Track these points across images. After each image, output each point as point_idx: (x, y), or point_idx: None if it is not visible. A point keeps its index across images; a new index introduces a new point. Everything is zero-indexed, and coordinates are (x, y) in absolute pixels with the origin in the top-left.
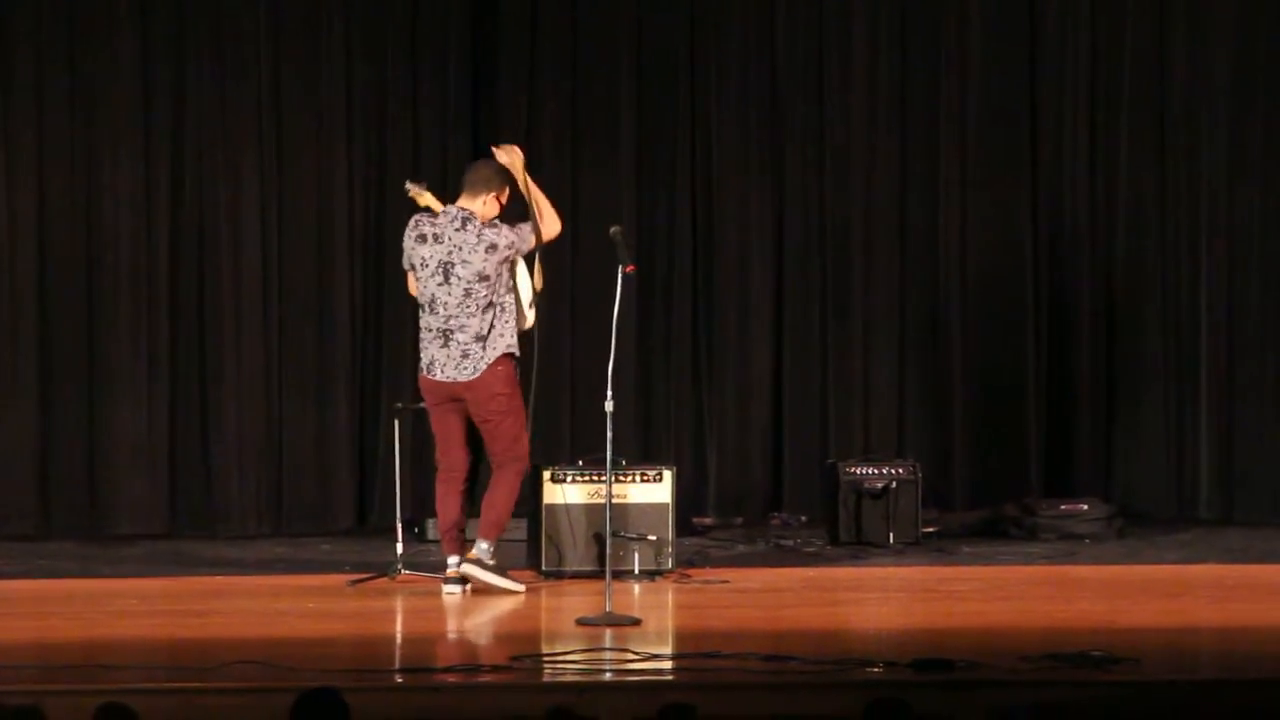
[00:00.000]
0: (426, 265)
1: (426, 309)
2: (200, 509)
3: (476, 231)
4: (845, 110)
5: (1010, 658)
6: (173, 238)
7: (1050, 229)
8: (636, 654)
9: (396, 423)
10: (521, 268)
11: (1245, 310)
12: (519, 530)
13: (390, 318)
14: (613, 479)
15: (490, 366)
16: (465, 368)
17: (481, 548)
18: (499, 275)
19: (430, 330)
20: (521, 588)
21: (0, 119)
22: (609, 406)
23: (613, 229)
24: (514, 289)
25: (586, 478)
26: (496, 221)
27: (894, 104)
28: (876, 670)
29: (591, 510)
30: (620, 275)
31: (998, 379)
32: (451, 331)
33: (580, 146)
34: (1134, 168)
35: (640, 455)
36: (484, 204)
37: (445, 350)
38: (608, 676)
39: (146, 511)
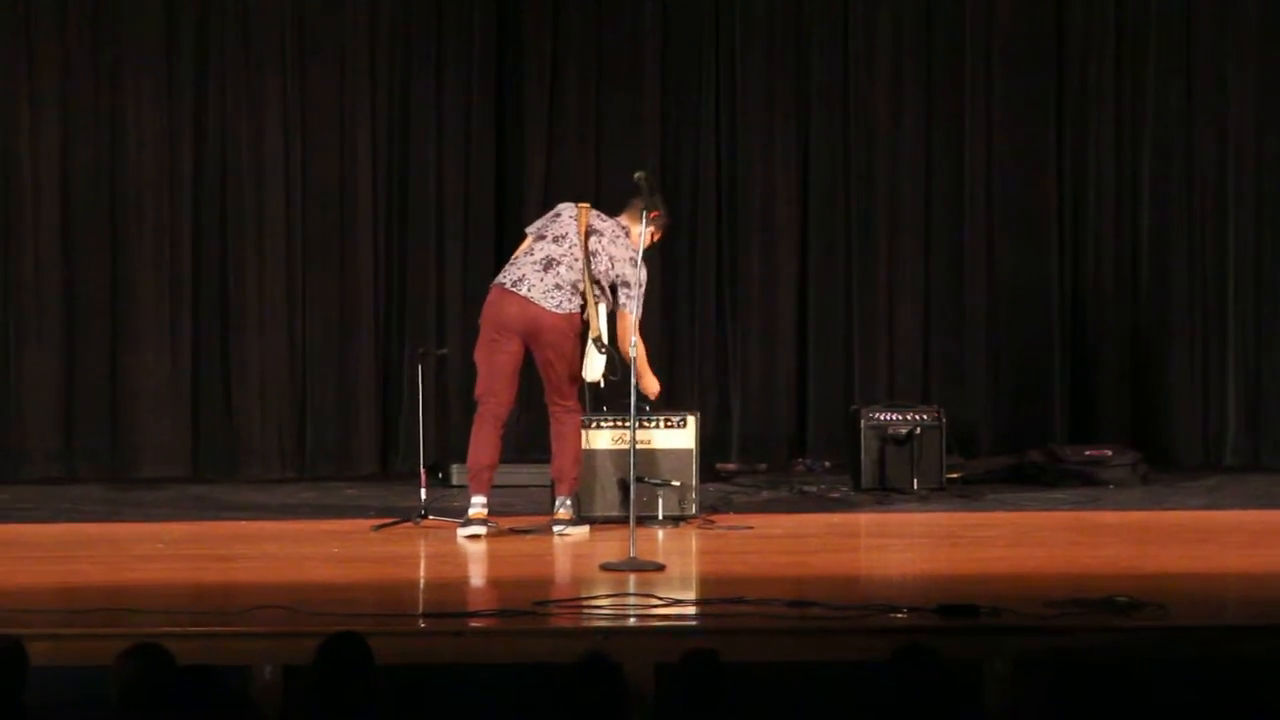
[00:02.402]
0: (575, 220)
1: (548, 240)
2: (224, 453)
3: (629, 243)
4: (871, 53)
5: (1035, 603)
6: (196, 182)
7: (1076, 173)
8: (660, 599)
9: (420, 368)
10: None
11: (1273, 255)
12: (542, 475)
13: (413, 262)
14: (637, 425)
15: (572, 312)
16: (553, 299)
17: (568, 504)
18: (613, 281)
19: (533, 254)
20: (585, 529)
21: (25, 60)
22: (633, 352)
23: (638, 174)
24: (592, 340)
25: (611, 423)
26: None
27: (920, 46)
28: (901, 616)
29: (616, 456)
30: (644, 220)
31: (1023, 324)
32: (558, 263)
33: (605, 88)
34: (1160, 114)
35: (664, 401)
36: (638, 233)
37: (541, 275)
38: (631, 622)
39: (170, 455)
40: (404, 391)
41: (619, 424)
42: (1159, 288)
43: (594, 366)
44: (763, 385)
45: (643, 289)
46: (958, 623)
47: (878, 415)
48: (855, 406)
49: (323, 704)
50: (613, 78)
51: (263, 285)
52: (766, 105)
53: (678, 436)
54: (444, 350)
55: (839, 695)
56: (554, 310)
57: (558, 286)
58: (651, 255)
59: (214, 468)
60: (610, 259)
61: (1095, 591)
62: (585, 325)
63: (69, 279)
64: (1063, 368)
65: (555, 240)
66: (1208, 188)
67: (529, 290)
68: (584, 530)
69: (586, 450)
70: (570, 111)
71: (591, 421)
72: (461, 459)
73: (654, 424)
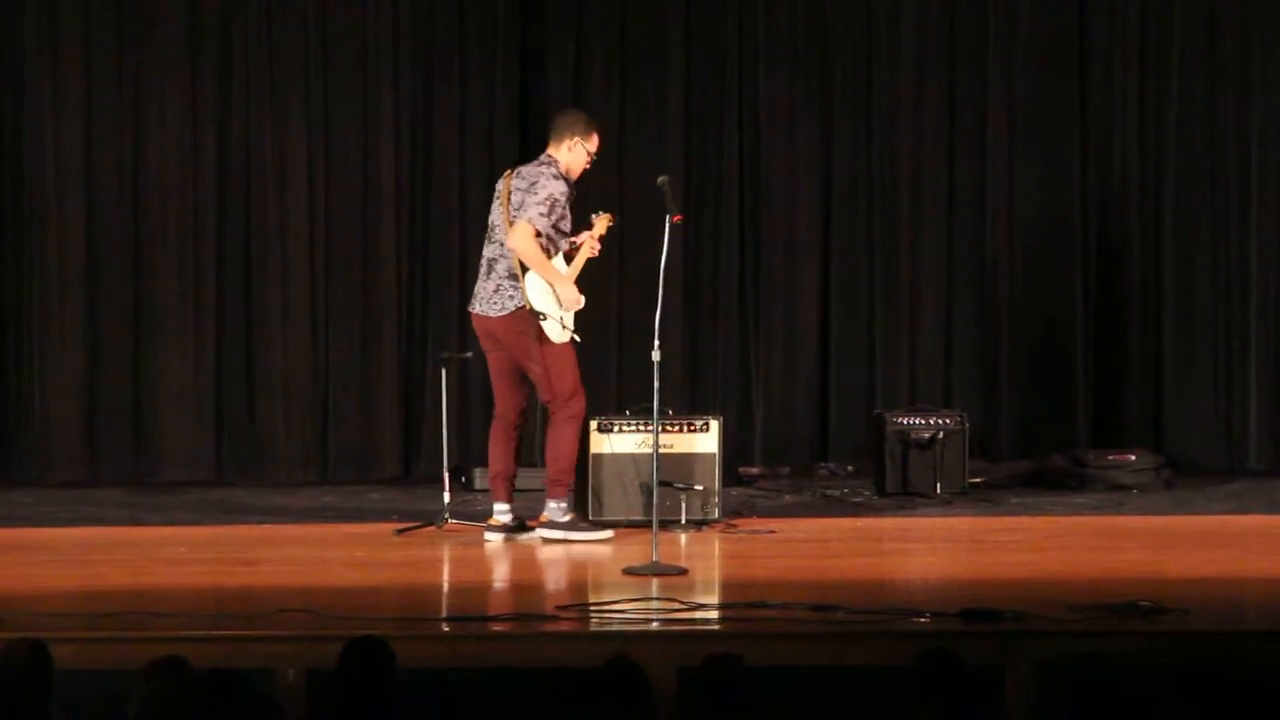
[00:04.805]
0: (498, 199)
1: (486, 240)
2: (247, 457)
3: (549, 172)
4: (894, 57)
5: (1058, 608)
6: (219, 185)
7: (1099, 177)
8: (683, 604)
9: (443, 372)
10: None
11: None
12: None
13: (436, 266)
14: (660, 429)
15: (519, 309)
16: (495, 304)
17: (550, 507)
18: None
19: (481, 261)
20: (605, 534)
21: (49, 65)
22: (656, 356)
23: (660, 178)
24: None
25: (634, 427)
26: (558, 174)
27: (942, 50)
28: (923, 620)
29: (639, 460)
30: (667, 225)
31: (1046, 328)
32: (495, 261)
33: (628, 94)
34: (1184, 116)
35: (687, 405)
36: (568, 149)
37: (483, 283)
38: (654, 626)
39: (193, 459)
40: (426, 395)
41: (641, 428)
42: (1183, 292)
43: (554, 332)
44: (785, 389)
45: (550, 201)
46: (980, 627)
47: (900, 420)
48: (878, 411)
49: (345, 707)
50: (636, 86)
51: (286, 289)
52: (789, 113)
53: (701, 440)
54: (467, 354)
55: (861, 699)
56: (499, 314)
57: (498, 289)
58: (674, 257)
59: (237, 472)
60: (523, 206)
61: (1118, 596)
62: (534, 314)
63: (92, 283)
64: (1085, 372)
65: (489, 238)
66: (1231, 191)
67: (476, 305)
68: (606, 535)
69: (610, 454)
70: (593, 119)
71: (615, 425)
72: (483, 463)
73: (677, 428)
